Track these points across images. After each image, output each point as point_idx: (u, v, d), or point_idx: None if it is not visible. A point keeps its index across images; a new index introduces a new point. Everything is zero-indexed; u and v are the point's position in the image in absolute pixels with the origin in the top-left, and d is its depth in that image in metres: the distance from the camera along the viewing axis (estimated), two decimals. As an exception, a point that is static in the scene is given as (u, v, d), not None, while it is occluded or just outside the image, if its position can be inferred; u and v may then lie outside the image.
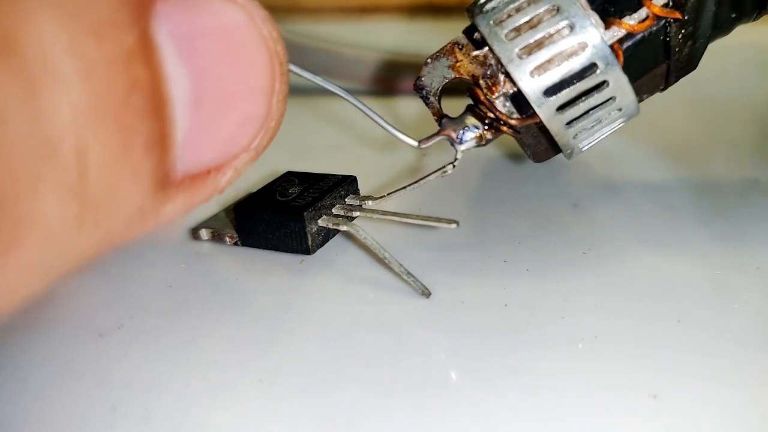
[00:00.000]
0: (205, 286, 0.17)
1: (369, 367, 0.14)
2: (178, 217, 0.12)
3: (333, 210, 0.18)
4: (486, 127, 0.17)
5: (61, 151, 0.09)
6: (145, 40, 0.11)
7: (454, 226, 0.15)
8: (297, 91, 0.26)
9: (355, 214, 0.17)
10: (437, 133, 0.17)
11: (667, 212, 0.19)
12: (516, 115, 0.16)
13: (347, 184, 0.18)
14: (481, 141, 0.17)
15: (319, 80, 0.14)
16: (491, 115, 0.16)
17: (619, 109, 0.16)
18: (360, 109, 0.15)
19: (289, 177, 0.19)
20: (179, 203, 0.12)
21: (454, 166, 0.16)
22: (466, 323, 0.15)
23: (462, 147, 0.17)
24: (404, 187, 0.17)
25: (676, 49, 0.16)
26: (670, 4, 0.15)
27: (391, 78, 0.30)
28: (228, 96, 0.12)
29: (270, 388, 0.13)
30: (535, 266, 0.17)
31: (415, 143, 0.16)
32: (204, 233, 0.18)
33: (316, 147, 0.26)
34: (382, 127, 0.16)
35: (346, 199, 0.18)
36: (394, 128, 0.16)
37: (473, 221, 0.19)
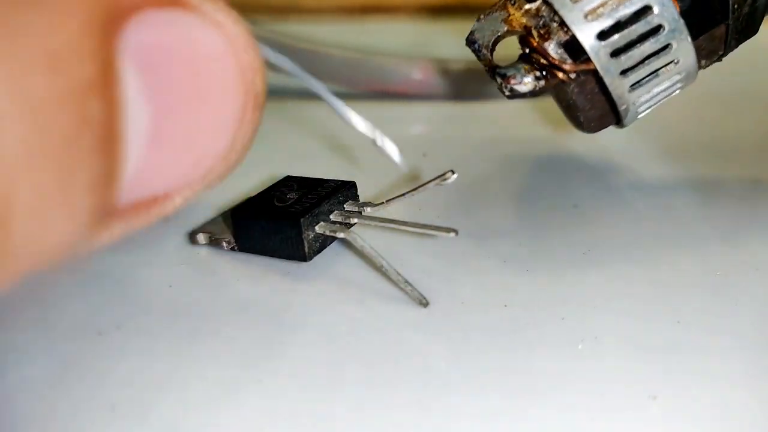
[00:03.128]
0: (205, 287, 0.17)
1: (369, 367, 0.14)
2: (112, 243, 0.11)
3: (331, 216, 0.17)
4: (540, 74, 0.16)
5: None
6: (106, 71, 0.09)
7: (452, 234, 0.15)
8: (298, 94, 0.26)
9: (354, 220, 0.17)
10: (492, 77, 0.16)
11: (667, 212, 0.19)
12: (570, 62, 0.15)
13: (346, 189, 0.18)
14: (536, 86, 0.16)
15: (298, 72, 0.13)
16: (544, 62, 0.16)
17: (676, 62, 0.15)
18: (337, 110, 0.14)
19: (288, 182, 0.19)
20: (116, 233, 0.11)
21: (453, 172, 0.16)
22: (466, 323, 0.15)
23: (521, 87, 0.16)
24: (403, 194, 0.17)
25: (735, 7, 0.15)
26: None
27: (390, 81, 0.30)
28: (190, 131, 0.11)
29: (270, 388, 0.13)
30: (535, 266, 0.17)
31: (398, 160, 0.14)
32: (201, 238, 0.18)
33: (317, 150, 0.26)
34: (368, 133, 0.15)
35: (344, 205, 0.18)
36: (379, 136, 0.15)
37: (473, 221, 0.19)
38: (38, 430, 0.12)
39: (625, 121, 0.17)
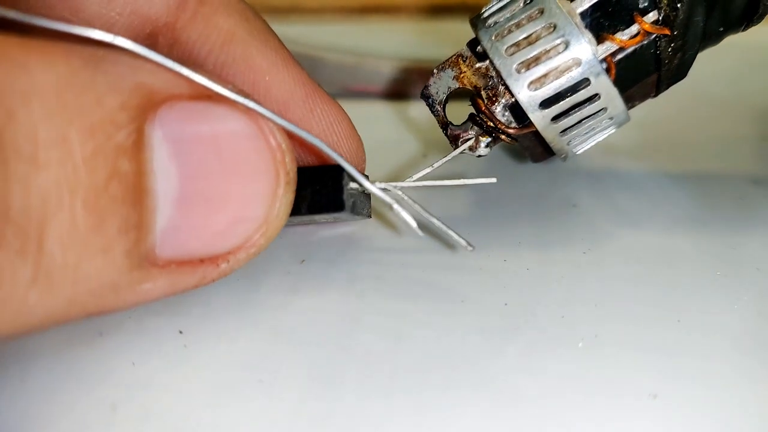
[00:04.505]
0: (204, 286, 0.17)
1: (369, 367, 0.14)
2: (162, 297, 0.13)
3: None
4: (489, 138, 0.18)
5: (21, 218, 0.10)
6: (137, 139, 0.12)
7: (494, 180, 0.17)
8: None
9: (391, 185, 0.17)
10: (454, 143, 0.18)
11: (667, 212, 0.19)
12: (514, 125, 0.17)
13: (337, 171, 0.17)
14: (490, 148, 0.18)
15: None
16: (491, 124, 0.17)
17: (611, 118, 0.17)
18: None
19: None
20: (161, 284, 0.13)
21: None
22: (466, 322, 0.15)
23: (481, 151, 0.18)
24: (431, 165, 0.17)
25: (666, 61, 0.17)
26: (660, 20, 0.16)
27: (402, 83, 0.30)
28: (220, 198, 0.13)
29: (270, 388, 0.13)
30: (535, 266, 0.17)
31: (368, 185, 0.15)
32: None
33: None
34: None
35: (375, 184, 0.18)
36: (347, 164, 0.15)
37: (473, 221, 0.19)
38: (39, 430, 0.12)
39: (565, 161, 0.19)
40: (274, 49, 0.17)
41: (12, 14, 0.12)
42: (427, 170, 0.17)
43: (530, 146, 0.18)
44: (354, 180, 0.15)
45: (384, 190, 0.17)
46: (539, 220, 0.19)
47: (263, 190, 0.13)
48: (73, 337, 0.15)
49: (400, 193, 0.16)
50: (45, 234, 0.11)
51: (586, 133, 0.17)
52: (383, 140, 0.21)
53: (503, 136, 0.17)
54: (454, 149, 0.18)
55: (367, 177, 0.17)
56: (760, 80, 0.30)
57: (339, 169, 0.16)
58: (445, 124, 0.18)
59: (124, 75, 0.11)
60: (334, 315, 0.15)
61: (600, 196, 0.20)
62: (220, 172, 0.13)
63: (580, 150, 0.18)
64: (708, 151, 0.24)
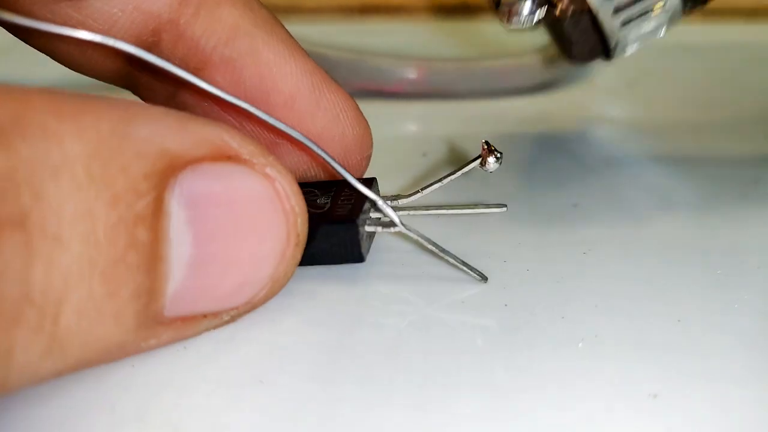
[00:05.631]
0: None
1: (369, 367, 0.14)
2: (161, 347, 0.13)
3: (370, 214, 0.17)
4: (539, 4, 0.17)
5: (41, 298, 0.10)
6: (157, 207, 0.11)
7: (504, 209, 0.16)
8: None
9: (398, 213, 0.17)
10: (497, 8, 0.17)
11: (667, 212, 0.19)
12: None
13: (370, 186, 0.17)
14: (533, 17, 0.17)
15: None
16: None
17: (664, 3, 0.16)
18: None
19: (306, 189, 0.17)
20: (164, 339, 0.13)
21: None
22: (466, 323, 0.15)
23: (517, 19, 0.17)
24: (440, 180, 0.17)
25: None
26: None
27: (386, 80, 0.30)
28: (231, 261, 0.13)
29: (270, 388, 0.13)
30: (535, 266, 0.17)
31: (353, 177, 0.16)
32: None
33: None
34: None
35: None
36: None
37: (473, 221, 0.19)
38: (39, 430, 0.12)
39: (614, 55, 0.17)
40: (281, 40, 0.16)
41: None
42: (436, 186, 0.17)
43: (580, 38, 0.17)
44: (375, 207, 0.16)
45: (388, 223, 0.17)
46: (539, 220, 0.19)
47: (273, 251, 0.13)
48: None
49: (407, 226, 0.16)
50: (62, 309, 0.11)
51: (639, 19, 0.16)
52: (383, 140, 0.21)
53: (557, 8, 0.16)
54: (497, 9, 0.17)
55: (374, 180, 0.17)
56: (762, 79, 0.30)
57: (354, 227, 0.16)
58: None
59: (151, 139, 0.11)
60: (335, 315, 0.15)
61: (600, 196, 0.20)
62: (234, 235, 0.13)
63: (632, 41, 0.17)
64: (709, 151, 0.24)
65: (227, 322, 0.14)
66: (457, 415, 0.12)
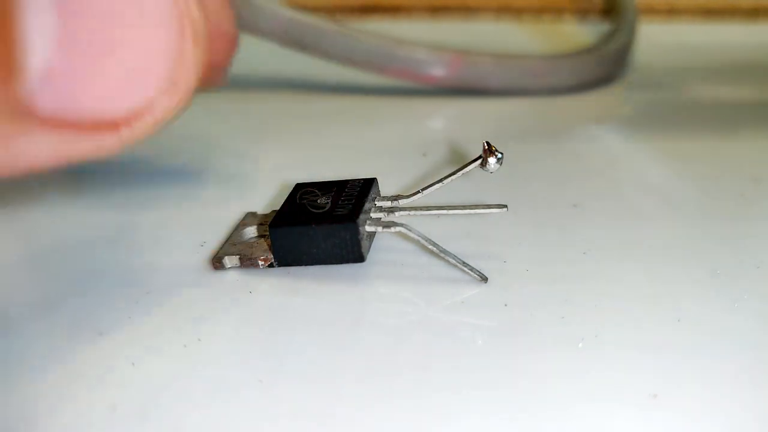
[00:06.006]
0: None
1: (369, 367, 0.14)
2: (51, 162, 0.11)
3: (371, 214, 0.17)
4: None
5: None
6: None
7: (504, 210, 0.16)
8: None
9: (398, 213, 0.17)
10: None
11: (667, 212, 0.19)
12: None
13: (372, 186, 0.18)
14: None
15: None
16: None
17: None
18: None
19: (306, 189, 0.18)
20: (44, 143, 0.11)
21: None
22: (466, 323, 0.15)
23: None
24: (440, 181, 0.17)
25: None
26: None
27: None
28: (109, 40, 0.11)
29: (270, 388, 0.13)
30: (535, 266, 0.17)
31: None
32: (228, 261, 0.17)
33: (316, 153, 0.26)
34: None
35: (375, 201, 0.18)
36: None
37: (473, 221, 0.19)
38: (38, 430, 0.12)
39: None
40: None
41: None
42: (436, 186, 0.17)
43: None
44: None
45: (389, 222, 0.17)
46: (539, 220, 0.19)
47: (165, 42, 0.11)
48: (72, 337, 0.15)
49: (408, 226, 0.16)
50: None
51: None
52: (384, 139, 0.21)
53: None
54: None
55: (375, 180, 0.17)
56: (762, 79, 0.30)
57: (355, 227, 0.16)
58: None
59: None
60: (335, 315, 0.15)
61: (600, 196, 0.20)
62: (110, 12, 0.11)
63: None
64: (708, 150, 0.24)
65: (129, 140, 0.12)
66: (457, 415, 0.12)
